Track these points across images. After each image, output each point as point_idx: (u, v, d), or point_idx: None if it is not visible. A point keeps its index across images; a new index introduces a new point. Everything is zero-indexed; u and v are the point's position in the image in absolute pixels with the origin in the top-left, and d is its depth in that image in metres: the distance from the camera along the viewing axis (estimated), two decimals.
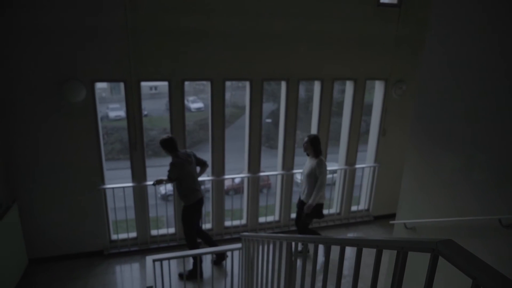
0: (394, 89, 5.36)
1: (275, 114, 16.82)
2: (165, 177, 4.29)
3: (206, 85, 4.68)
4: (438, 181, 3.07)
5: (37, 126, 4.19)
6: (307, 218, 4.61)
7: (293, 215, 5.61)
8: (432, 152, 3.17)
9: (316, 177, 4.41)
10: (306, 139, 4.48)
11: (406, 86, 5.38)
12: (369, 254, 1.60)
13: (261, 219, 5.49)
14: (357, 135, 5.51)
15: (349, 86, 5.39)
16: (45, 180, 4.37)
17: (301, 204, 4.63)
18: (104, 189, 4.63)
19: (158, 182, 4.34)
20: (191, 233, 4.40)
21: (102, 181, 4.60)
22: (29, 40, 3.90)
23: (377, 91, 5.58)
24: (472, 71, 2.66)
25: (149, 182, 4.67)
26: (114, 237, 4.96)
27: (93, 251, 4.80)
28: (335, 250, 1.78)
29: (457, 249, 1.08)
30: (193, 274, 4.24)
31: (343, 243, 1.69)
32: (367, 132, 5.91)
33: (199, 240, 4.57)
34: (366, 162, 5.87)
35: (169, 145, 4.18)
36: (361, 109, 5.40)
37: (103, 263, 4.69)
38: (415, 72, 5.25)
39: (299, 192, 4.80)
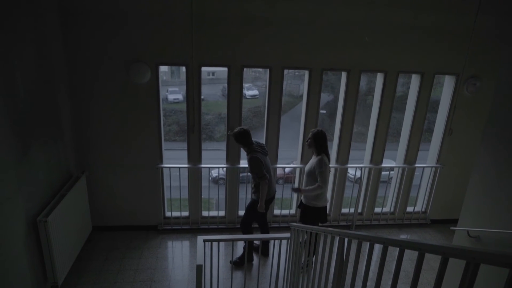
0: (466, 85, 4.93)
1: (330, 106, 16.42)
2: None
3: (262, 73, 4.68)
4: (510, 190, 2.79)
5: (105, 105, 4.49)
6: (307, 222, 4.02)
7: (344, 210, 5.49)
8: (507, 160, 2.88)
9: (315, 176, 3.96)
10: (309, 134, 4.05)
11: (481, 83, 4.93)
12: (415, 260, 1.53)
13: None
14: (420, 133, 5.18)
15: (415, 80, 5.06)
16: (110, 155, 4.69)
17: (301, 206, 4.25)
18: (162, 168, 4.86)
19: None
20: (250, 223, 4.40)
21: (160, 160, 4.83)
22: (101, 24, 4.15)
23: (446, 87, 5.17)
24: None
25: (203, 165, 4.80)
26: (168, 214, 5.22)
27: (149, 225, 5.11)
28: (378, 249, 1.71)
29: None
30: (242, 260, 4.29)
31: (404, 246, 1.60)
32: (428, 130, 5.54)
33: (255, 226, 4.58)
34: (427, 162, 5.51)
35: (244, 138, 4.02)
36: (426, 105, 5.05)
37: (157, 237, 4.97)
38: (492, 69, 4.79)
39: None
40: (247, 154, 4.14)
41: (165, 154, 4.93)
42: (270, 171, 4.25)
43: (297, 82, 18.25)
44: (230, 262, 4.28)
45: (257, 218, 4.38)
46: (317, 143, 3.99)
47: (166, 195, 5.17)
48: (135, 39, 4.27)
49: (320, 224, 4.26)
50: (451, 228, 3.51)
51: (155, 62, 4.40)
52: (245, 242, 4.34)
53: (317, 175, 3.95)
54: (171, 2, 4.18)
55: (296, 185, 4.17)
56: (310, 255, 3.13)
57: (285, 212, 5.39)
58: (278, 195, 5.29)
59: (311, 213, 4.14)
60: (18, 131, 3.16)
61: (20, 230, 3.21)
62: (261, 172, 4.02)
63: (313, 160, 4.11)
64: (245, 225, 4.43)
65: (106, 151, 4.67)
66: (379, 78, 4.98)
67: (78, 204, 4.34)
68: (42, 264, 3.58)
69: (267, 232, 4.52)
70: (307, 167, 4.15)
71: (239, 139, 4.06)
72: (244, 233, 4.43)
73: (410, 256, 4.59)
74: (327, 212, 4.39)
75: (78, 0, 4.05)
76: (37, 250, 3.49)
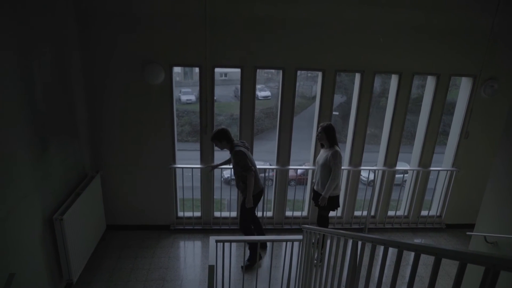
0: (483, 87, 4.83)
1: (343, 107, 16.31)
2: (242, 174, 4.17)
3: (275, 74, 4.67)
4: None
5: (119, 105, 4.54)
6: (324, 211, 4.40)
7: (357, 213, 5.43)
8: None
9: (330, 168, 4.17)
10: (319, 128, 4.25)
11: (499, 85, 4.82)
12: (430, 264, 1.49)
13: None
14: (435, 136, 5.09)
15: (430, 82, 4.98)
16: (124, 155, 4.75)
17: (316, 195, 4.44)
18: (175, 168, 4.90)
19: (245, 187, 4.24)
20: (248, 220, 4.43)
21: (173, 160, 4.87)
22: (116, 25, 4.21)
23: (463, 89, 5.07)
24: None
25: (212, 166, 4.81)
26: (180, 214, 5.26)
27: (161, 225, 5.15)
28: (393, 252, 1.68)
29: None
30: (252, 262, 4.35)
31: (420, 250, 1.57)
32: (443, 132, 5.44)
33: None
34: (442, 165, 5.41)
35: (226, 134, 4.10)
36: (442, 107, 4.96)
37: (170, 237, 5.01)
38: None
39: (312, 182, 4.64)
40: (231, 151, 4.20)
41: (178, 154, 4.96)
42: (255, 165, 4.33)
43: (309, 83, 18.19)
44: (242, 267, 4.26)
45: (250, 215, 4.42)
46: (328, 135, 4.19)
47: (179, 195, 5.21)
48: (150, 40, 4.32)
49: (331, 227, 4.23)
50: (468, 233, 3.44)
51: (169, 63, 4.44)
52: (248, 244, 4.40)
53: (332, 166, 4.14)
54: (185, 4, 4.21)
55: (320, 202, 4.25)
56: (321, 250, 3.15)
57: (297, 214, 5.36)
58: (290, 196, 5.29)
59: (329, 202, 4.30)
60: (36, 131, 3.23)
61: (37, 227, 3.28)
62: (247, 165, 4.10)
63: (325, 152, 4.27)
64: (245, 227, 4.42)
65: (120, 151, 4.73)
66: (394, 80, 4.92)
67: (93, 203, 4.41)
68: (58, 262, 3.64)
69: (261, 228, 4.63)
70: (321, 159, 4.31)
71: (222, 136, 4.11)
72: (246, 235, 4.42)
73: (424, 260, 4.52)
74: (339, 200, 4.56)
75: (93, 2, 4.12)
76: (53, 248, 3.56)
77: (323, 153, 4.33)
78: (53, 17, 3.61)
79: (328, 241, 2.83)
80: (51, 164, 3.56)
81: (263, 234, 4.67)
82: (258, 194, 4.32)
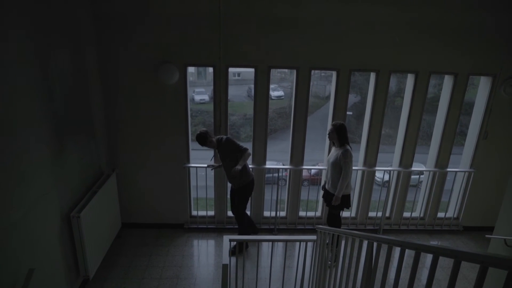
0: (503, 86, 4.71)
1: (357, 107, 16.15)
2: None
3: (288, 74, 4.65)
4: None
5: (134, 105, 4.60)
6: (335, 209, 4.40)
7: (371, 214, 5.37)
8: None
9: (340, 167, 4.18)
10: (331, 127, 4.27)
11: None
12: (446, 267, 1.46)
13: None
14: (452, 136, 4.99)
15: (447, 81, 4.88)
16: (139, 154, 4.81)
17: (326, 194, 4.44)
18: (189, 167, 4.94)
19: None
20: (245, 208, 4.61)
21: (187, 159, 4.91)
22: (131, 26, 4.27)
23: (481, 88, 4.96)
24: None
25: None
26: (194, 213, 5.29)
27: (175, 224, 5.20)
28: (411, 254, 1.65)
29: None
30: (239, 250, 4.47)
31: (438, 252, 1.54)
32: (460, 133, 5.32)
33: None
34: (460, 166, 5.30)
35: (207, 135, 4.24)
36: (459, 107, 4.86)
37: (184, 235, 5.05)
38: None
39: (324, 181, 4.65)
40: (219, 143, 4.30)
41: (192, 154, 5.00)
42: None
43: (323, 83, 18.08)
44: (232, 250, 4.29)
45: (246, 202, 4.59)
46: (339, 135, 4.20)
47: (193, 194, 5.25)
48: (165, 40, 4.36)
49: (344, 227, 4.20)
50: (487, 236, 3.36)
51: (184, 63, 4.47)
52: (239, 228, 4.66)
53: (342, 165, 4.14)
54: (199, 4, 4.24)
55: (333, 202, 4.25)
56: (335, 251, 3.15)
57: (310, 214, 5.34)
58: (303, 197, 5.26)
59: (341, 201, 4.27)
60: (54, 130, 3.30)
61: (55, 224, 3.35)
62: (241, 146, 4.25)
63: (336, 151, 4.27)
64: (241, 214, 4.58)
65: (135, 150, 4.80)
66: (410, 79, 4.84)
67: (109, 201, 4.48)
68: (75, 258, 3.71)
69: (251, 221, 4.87)
70: (331, 158, 4.31)
71: (205, 137, 4.23)
72: (242, 222, 4.58)
73: (440, 263, 4.43)
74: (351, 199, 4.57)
75: (109, 3, 4.18)
76: (70, 244, 3.63)
77: (334, 152, 4.34)
78: (71, 17, 3.68)
79: (343, 242, 2.80)
80: (68, 162, 3.63)
81: (255, 225, 4.89)
82: (251, 182, 4.46)
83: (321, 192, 4.73)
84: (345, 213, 5.31)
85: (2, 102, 2.55)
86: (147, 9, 4.22)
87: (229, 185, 4.99)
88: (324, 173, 5.17)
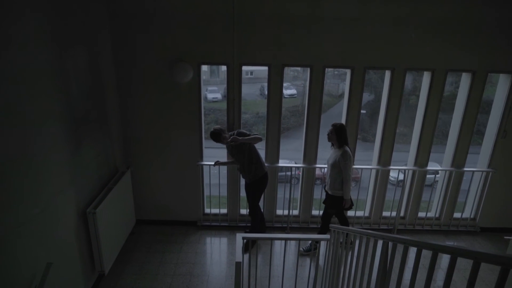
0: None
1: (370, 105, 15.96)
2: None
3: (300, 72, 4.62)
4: None
5: (149, 103, 4.65)
6: (331, 209, 4.45)
7: (385, 213, 5.31)
8: None
9: (339, 168, 4.19)
10: (330, 128, 4.25)
11: None
12: (470, 268, 1.43)
13: (350, 213, 5.31)
14: (470, 135, 4.88)
15: (465, 79, 4.78)
16: (153, 152, 4.87)
17: (326, 195, 4.48)
18: (202, 165, 4.97)
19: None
20: (258, 207, 4.68)
21: (200, 157, 4.94)
22: (145, 25, 4.31)
23: (501, 86, 4.83)
24: None
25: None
26: (207, 210, 5.32)
27: (188, 221, 5.24)
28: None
29: None
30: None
31: (457, 253, 1.51)
32: (477, 132, 5.20)
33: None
34: (477, 166, 5.19)
35: (221, 132, 4.24)
36: (477, 105, 4.75)
37: (197, 233, 5.09)
38: None
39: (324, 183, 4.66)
40: (230, 138, 4.23)
41: (205, 152, 5.03)
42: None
43: (336, 81, 17.92)
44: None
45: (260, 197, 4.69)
46: (339, 135, 4.20)
47: (206, 192, 5.28)
48: (178, 39, 4.39)
49: (358, 227, 4.17)
50: (505, 237, 3.29)
51: (198, 61, 4.50)
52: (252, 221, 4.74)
53: (342, 167, 4.16)
54: (213, 2, 4.25)
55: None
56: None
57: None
58: (316, 196, 5.23)
59: (338, 202, 4.33)
60: (72, 128, 3.36)
61: (72, 220, 3.42)
62: (248, 133, 4.29)
63: (335, 152, 4.29)
64: (255, 210, 4.65)
65: (150, 148, 4.85)
66: (426, 77, 4.76)
67: (124, 198, 4.54)
68: (91, 254, 3.78)
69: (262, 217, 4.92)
70: (331, 159, 4.34)
71: (220, 134, 4.22)
72: (256, 217, 4.66)
73: (456, 265, 4.35)
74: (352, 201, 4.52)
75: (124, 2, 4.22)
76: (86, 240, 3.70)
77: (333, 153, 4.35)
78: (87, 15, 3.74)
79: (357, 241, 2.78)
80: (85, 160, 3.70)
81: (265, 223, 4.99)
82: (264, 176, 4.51)
83: (370, 197, 4.76)
84: (358, 213, 5.28)
85: (24, 102, 2.61)
86: (162, 8, 4.25)
87: (242, 183, 5.01)
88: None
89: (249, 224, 5.06)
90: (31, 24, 2.73)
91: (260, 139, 4.31)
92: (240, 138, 4.21)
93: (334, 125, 4.24)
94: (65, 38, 3.24)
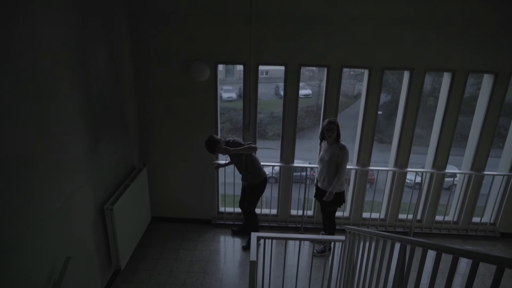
0: None
1: (387, 106, 15.74)
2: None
3: (316, 72, 4.60)
4: None
5: (166, 102, 4.71)
6: (331, 207, 4.40)
7: (401, 216, 5.23)
8: None
9: (337, 164, 4.18)
10: (331, 124, 4.16)
11: None
12: (488, 275, 1.39)
13: (365, 215, 5.25)
14: (491, 138, 4.76)
15: (487, 80, 4.66)
16: (169, 150, 4.92)
17: (320, 192, 4.43)
18: (217, 163, 4.99)
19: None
20: (255, 206, 4.67)
21: (216, 156, 4.96)
22: (163, 24, 4.35)
23: None
24: None
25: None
26: (221, 209, 5.35)
27: (203, 219, 5.28)
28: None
29: None
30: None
31: (479, 258, 1.47)
32: (498, 134, 5.06)
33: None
34: (498, 170, 5.05)
35: (215, 140, 4.20)
36: (499, 108, 4.63)
37: (211, 231, 5.12)
38: None
39: (316, 180, 4.63)
40: (226, 147, 4.18)
41: None
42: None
43: (352, 81, 17.75)
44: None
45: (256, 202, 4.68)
46: (338, 132, 4.20)
47: (221, 190, 5.31)
48: (196, 38, 4.42)
49: (373, 229, 4.12)
50: None
51: (214, 61, 4.52)
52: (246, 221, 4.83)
53: (340, 161, 4.16)
54: (231, 2, 4.27)
55: (326, 197, 4.20)
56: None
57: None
58: None
59: (339, 198, 4.32)
60: (91, 125, 3.43)
61: (90, 216, 3.48)
62: (241, 142, 4.31)
63: (331, 148, 4.24)
64: (252, 212, 4.68)
65: (166, 146, 4.90)
66: (446, 78, 4.66)
67: (140, 195, 4.61)
68: (107, 249, 3.85)
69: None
70: (326, 156, 4.29)
71: (213, 142, 4.19)
72: (252, 220, 4.71)
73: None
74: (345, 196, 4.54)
75: (142, 1, 4.28)
76: (103, 235, 3.77)
77: (328, 149, 4.29)
78: (105, 15, 3.80)
79: (373, 244, 2.74)
80: (103, 157, 3.77)
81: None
82: (262, 183, 4.50)
83: (350, 192, 4.66)
84: (374, 214, 5.22)
85: (50, 100, 2.68)
86: (179, 7, 4.29)
87: None
88: (352, 173, 5.08)
89: (241, 224, 5.17)
90: (60, 19, 2.79)
91: (254, 149, 4.28)
92: (232, 149, 4.18)
93: (334, 122, 4.19)
94: (86, 35, 3.30)
